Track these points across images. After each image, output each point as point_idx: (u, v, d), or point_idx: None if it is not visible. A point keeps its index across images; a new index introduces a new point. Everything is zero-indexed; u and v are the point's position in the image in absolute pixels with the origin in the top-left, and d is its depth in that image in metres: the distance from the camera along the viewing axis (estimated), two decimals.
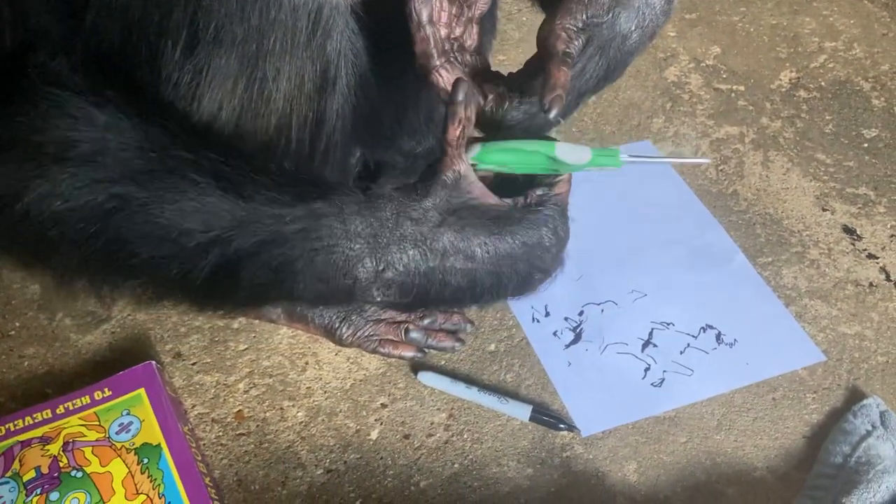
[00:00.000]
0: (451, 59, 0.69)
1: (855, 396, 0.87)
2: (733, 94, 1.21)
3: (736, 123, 1.17)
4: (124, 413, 0.78)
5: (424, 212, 0.62)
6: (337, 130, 0.77)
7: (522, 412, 0.83)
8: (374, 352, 0.87)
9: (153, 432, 0.77)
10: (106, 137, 0.59)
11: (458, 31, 0.70)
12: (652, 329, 0.92)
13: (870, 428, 0.80)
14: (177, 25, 0.64)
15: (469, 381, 0.86)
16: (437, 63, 0.68)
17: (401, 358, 0.87)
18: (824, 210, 1.06)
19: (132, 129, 0.60)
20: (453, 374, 0.86)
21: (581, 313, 0.93)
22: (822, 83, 1.24)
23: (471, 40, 0.71)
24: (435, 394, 0.85)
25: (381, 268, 0.61)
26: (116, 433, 0.77)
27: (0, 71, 0.62)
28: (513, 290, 0.66)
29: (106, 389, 0.80)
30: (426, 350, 0.87)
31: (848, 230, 1.04)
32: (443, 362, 0.88)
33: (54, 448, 0.75)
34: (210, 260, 0.59)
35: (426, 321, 0.88)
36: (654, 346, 0.90)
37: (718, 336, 0.92)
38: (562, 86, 0.64)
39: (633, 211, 1.04)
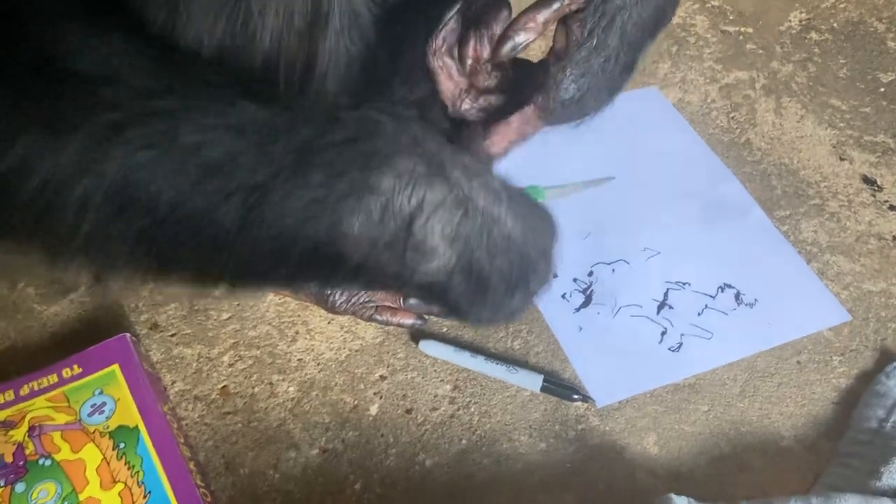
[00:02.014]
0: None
1: (884, 358, 0.81)
2: (741, 37, 1.14)
3: (745, 68, 1.10)
4: (97, 392, 0.71)
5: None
6: (329, 74, 0.69)
7: (533, 382, 0.77)
8: (370, 319, 0.80)
9: (130, 413, 0.69)
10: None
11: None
12: (667, 289, 0.86)
13: None
14: None
15: (474, 349, 0.79)
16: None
17: (400, 326, 0.80)
18: (842, 159, 1.00)
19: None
20: (457, 343, 0.79)
21: (591, 274, 0.86)
22: (834, 24, 1.17)
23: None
24: (438, 364, 0.78)
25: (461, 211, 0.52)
26: (88, 415, 0.69)
27: None
28: None
29: (75, 366, 0.72)
30: (426, 317, 0.80)
31: (867, 180, 0.98)
32: (445, 330, 0.81)
33: (18, 434, 0.68)
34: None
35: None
36: (670, 307, 0.84)
37: (738, 296, 0.86)
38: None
39: (642, 162, 0.97)
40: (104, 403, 0.70)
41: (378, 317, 0.80)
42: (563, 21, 0.62)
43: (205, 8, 0.57)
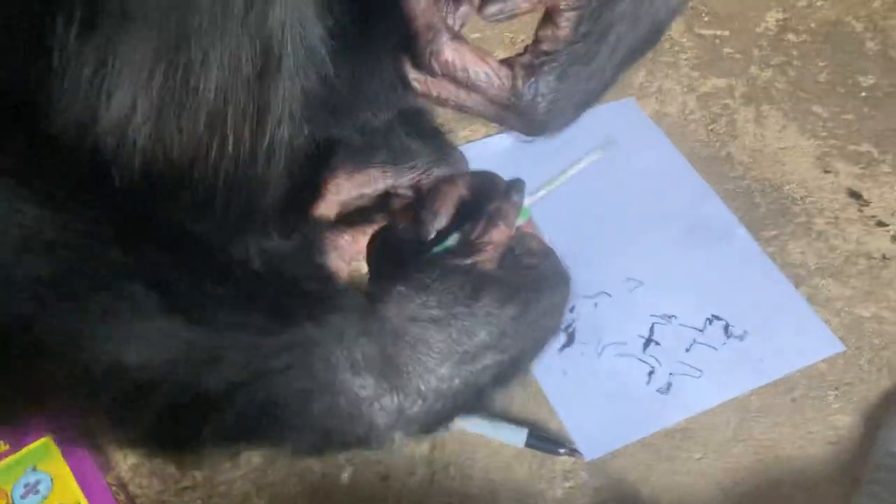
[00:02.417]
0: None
1: (880, 393, 0.78)
2: (718, 41, 1.09)
3: (723, 74, 1.05)
4: (30, 470, 0.64)
5: (447, 305, 0.46)
6: (284, 121, 0.62)
7: (517, 437, 0.72)
8: None
9: (70, 491, 0.63)
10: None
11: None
12: (653, 324, 0.81)
13: None
14: None
15: None
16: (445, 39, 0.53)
17: None
18: (826, 172, 0.96)
19: (34, 214, 0.42)
20: None
21: (572, 309, 0.81)
22: (812, 24, 1.12)
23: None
24: None
25: (406, 404, 0.45)
26: (22, 497, 0.63)
27: None
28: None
29: (1, 442, 0.65)
30: None
31: (853, 194, 0.94)
32: None
33: None
34: (156, 406, 0.42)
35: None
36: (657, 343, 0.80)
37: (727, 328, 0.81)
38: None
39: (619, 183, 0.92)
40: (39, 482, 0.64)
41: None
42: (551, 15, 0.54)
43: (138, 63, 0.51)
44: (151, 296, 0.40)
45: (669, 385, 0.77)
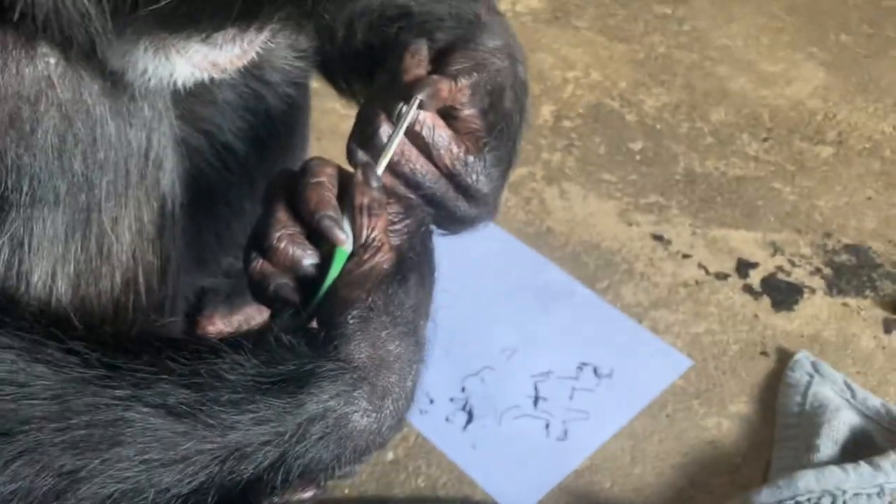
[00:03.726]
0: None
1: (731, 389, 0.91)
2: None
3: (522, 164, 1.20)
4: None
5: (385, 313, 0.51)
6: (179, 269, 0.66)
7: None
8: None
9: None
10: (4, 393, 0.44)
11: None
12: (535, 383, 0.90)
13: (808, 378, 0.90)
14: None
15: (383, 500, 0.77)
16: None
17: (301, 501, 0.76)
18: (630, 225, 1.12)
19: (22, 363, 0.45)
20: (364, 500, 0.77)
21: (463, 389, 0.89)
22: (580, 110, 1.31)
23: None
24: None
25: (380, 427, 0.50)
26: None
27: None
28: None
29: None
30: (325, 484, 0.77)
31: (657, 237, 1.10)
32: (347, 491, 0.79)
33: None
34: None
35: None
36: (544, 399, 0.88)
37: (596, 371, 0.92)
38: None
39: (468, 271, 1.01)
40: None
41: (276, 499, 0.76)
42: (453, 115, 0.59)
43: (52, 236, 0.54)
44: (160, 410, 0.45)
45: (566, 431, 0.86)
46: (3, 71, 0.49)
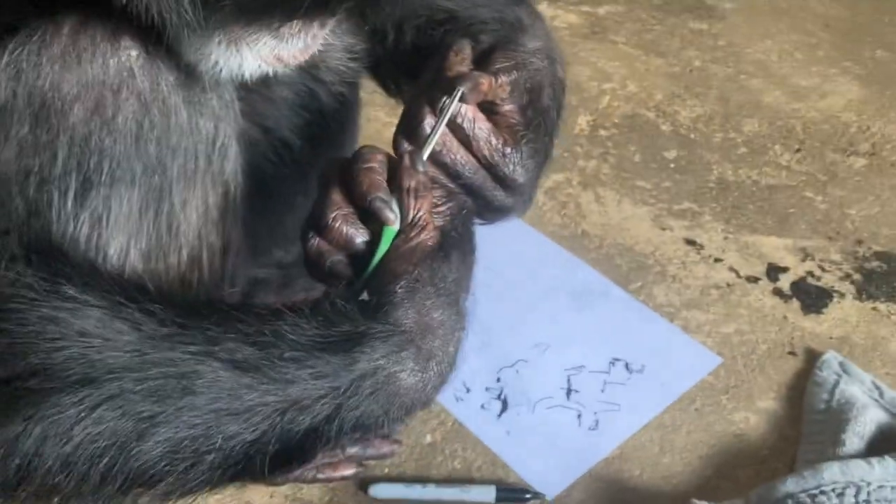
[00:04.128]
0: None
1: (759, 387, 0.94)
2: None
3: (559, 171, 1.24)
4: None
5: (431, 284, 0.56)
6: (239, 252, 0.71)
7: (487, 495, 0.80)
8: (313, 481, 0.80)
9: None
10: (91, 345, 0.50)
11: None
12: (568, 376, 0.93)
13: (836, 377, 0.92)
14: (63, 172, 0.56)
15: (422, 481, 0.81)
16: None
17: (343, 479, 0.80)
18: (663, 229, 1.15)
19: (106, 320, 0.51)
20: (403, 479, 0.81)
21: (499, 380, 0.92)
22: (616, 120, 1.35)
23: None
24: None
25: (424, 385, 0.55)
26: None
27: None
28: None
29: None
30: (366, 463, 0.82)
31: (690, 242, 1.13)
32: (386, 470, 0.83)
33: None
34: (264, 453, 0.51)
35: (354, 449, 0.82)
36: (577, 391, 0.92)
37: (627, 366, 0.95)
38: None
39: (504, 271, 1.05)
40: None
41: (320, 475, 0.80)
42: (494, 109, 0.63)
43: (127, 213, 0.59)
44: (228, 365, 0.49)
45: (597, 422, 0.89)
46: (91, 62, 0.55)
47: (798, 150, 1.31)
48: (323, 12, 0.53)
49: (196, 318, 0.52)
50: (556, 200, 1.19)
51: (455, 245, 0.58)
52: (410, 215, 0.57)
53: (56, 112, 0.55)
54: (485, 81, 0.60)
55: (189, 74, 0.58)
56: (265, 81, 0.67)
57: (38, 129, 0.55)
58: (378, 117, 1.18)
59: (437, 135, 0.60)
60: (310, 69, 0.73)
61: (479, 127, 0.62)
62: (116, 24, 0.55)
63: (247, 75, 0.59)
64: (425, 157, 0.59)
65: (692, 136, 1.33)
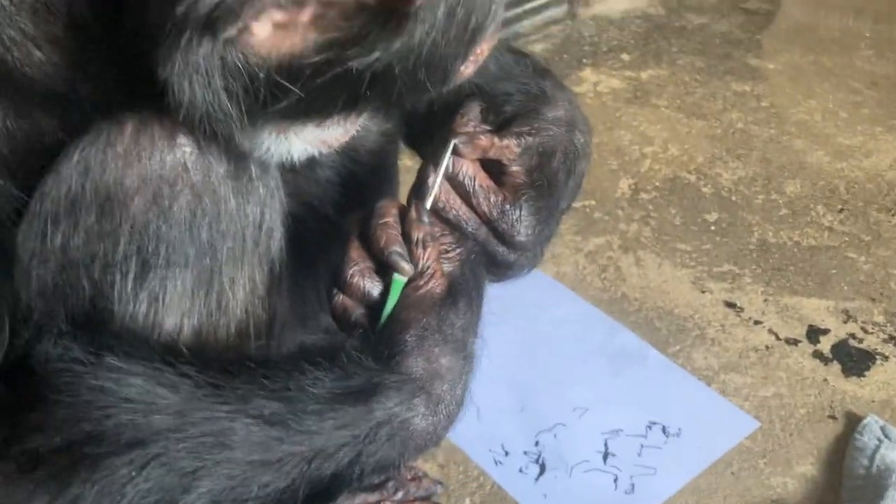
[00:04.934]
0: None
1: (797, 451, 0.94)
2: (588, 209, 1.32)
3: (600, 234, 1.27)
4: None
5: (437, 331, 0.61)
6: (285, 322, 0.76)
7: None
8: None
9: None
10: (136, 410, 0.55)
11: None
12: (605, 440, 0.95)
13: (877, 442, 0.93)
14: (125, 256, 0.62)
15: None
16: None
17: None
18: (703, 292, 1.17)
19: (147, 386, 0.57)
20: None
21: (537, 443, 0.95)
22: (657, 183, 1.38)
23: None
24: None
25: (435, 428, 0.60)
26: None
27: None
28: None
29: None
30: None
31: (729, 304, 1.15)
32: None
33: None
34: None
35: (399, 494, 0.86)
36: (613, 455, 0.94)
37: (664, 429, 0.97)
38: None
39: (545, 334, 1.09)
40: None
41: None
42: (501, 168, 0.67)
43: (181, 293, 0.65)
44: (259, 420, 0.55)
45: (633, 486, 0.91)
46: (150, 158, 0.61)
47: (841, 210, 1.32)
48: (353, 113, 0.58)
49: (227, 378, 0.58)
50: (596, 264, 1.22)
51: (463, 291, 0.63)
52: (420, 265, 0.62)
53: (119, 203, 0.61)
54: (483, 139, 0.65)
55: (238, 165, 0.64)
56: (309, 164, 0.73)
57: (103, 219, 0.61)
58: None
59: (436, 186, 0.65)
60: (349, 151, 0.79)
61: (480, 184, 0.67)
62: (173, 123, 0.61)
63: (295, 158, 0.65)
64: (428, 206, 0.64)
65: (733, 198, 1.35)
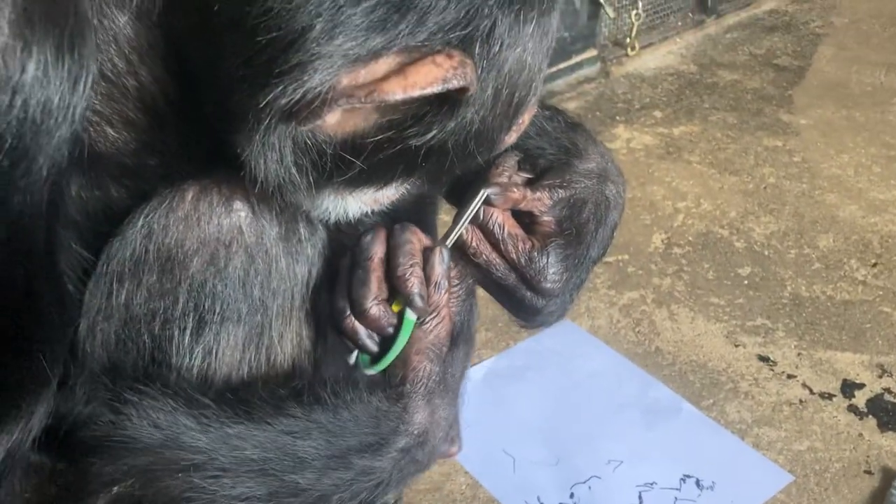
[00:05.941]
0: None
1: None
2: (621, 263, 1.35)
3: (633, 288, 1.30)
4: None
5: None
6: (328, 366, 0.80)
7: None
8: None
9: None
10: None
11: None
12: (640, 493, 0.97)
13: None
14: (183, 312, 0.67)
15: None
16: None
17: None
18: (736, 346, 1.19)
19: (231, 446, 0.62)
20: None
21: (572, 496, 0.97)
22: (690, 238, 1.41)
23: None
24: None
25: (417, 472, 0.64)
26: None
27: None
28: None
29: None
30: None
31: (762, 358, 1.16)
32: None
33: None
34: None
35: None
36: None
37: (698, 483, 0.98)
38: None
39: (579, 387, 1.11)
40: None
41: None
42: (532, 218, 0.70)
43: (233, 347, 0.69)
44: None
45: None
46: (209, 223, 0.66)
47: (875, 265, 1.33)
48: (412, 179, 0.63)
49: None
50: (630, 318, 1.24)
51: (462, 332, 0.66)
52: (433, 305, 0.66)
53: (179, 264, 0.65)
54: (516, 192, 0.69)
55: (288, 227, 0.69)
56: (352, 224, 0.77)
57: (164, 278, 0.66)
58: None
59: (460, 228, 0.68)
60: (393, 213, 0.83)
61: (508, 232, 0.70)
62: (230, 190, 0.66)
63: (350, 216, 0.70)
64: (449, 243, 0.68)
65: (766, 252, 1.36)
